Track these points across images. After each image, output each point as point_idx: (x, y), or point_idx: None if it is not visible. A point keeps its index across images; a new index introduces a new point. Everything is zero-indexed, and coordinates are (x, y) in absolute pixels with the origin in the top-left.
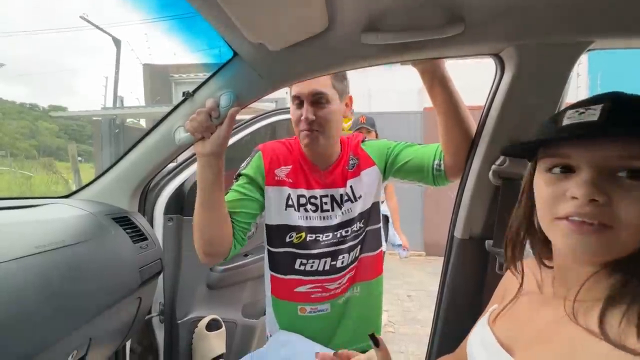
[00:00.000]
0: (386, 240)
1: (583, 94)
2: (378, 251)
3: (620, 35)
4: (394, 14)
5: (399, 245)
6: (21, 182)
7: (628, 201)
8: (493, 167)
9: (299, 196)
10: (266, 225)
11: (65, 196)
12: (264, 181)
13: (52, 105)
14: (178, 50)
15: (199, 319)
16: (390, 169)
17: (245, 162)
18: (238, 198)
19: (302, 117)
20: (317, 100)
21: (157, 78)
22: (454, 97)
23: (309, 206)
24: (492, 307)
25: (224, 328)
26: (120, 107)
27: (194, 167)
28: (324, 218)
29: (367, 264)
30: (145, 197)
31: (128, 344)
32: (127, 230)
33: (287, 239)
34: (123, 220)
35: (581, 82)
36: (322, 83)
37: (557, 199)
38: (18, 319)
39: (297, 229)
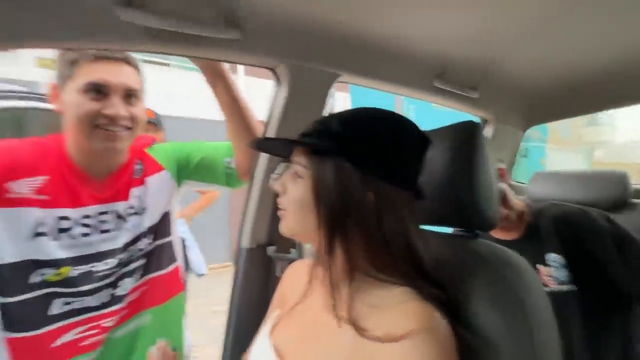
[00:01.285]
0: (186, 269)
1: None
2: (172, 268)
3: (360, 75)
4: None
5: (202, 275)
6: None
7: (290, 191)
8: (273, 175)
9: (59, 219)
10: None
11: None
12: None
13: None
14: None
15: None
16: (184, 171)
17: None
18: None
19: (111, 113)
20: (128, 95)
21: None
22: (237, 97)
23: (78, 229)
24: (274, 314)
25: None
26: None
27: None
28: (105, 240)
29: (158, 285)
30: None
31: None
32: None
33: (36, 279)
34: None
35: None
36: (133, 77)
37: None
38: None
39: (53, 263)
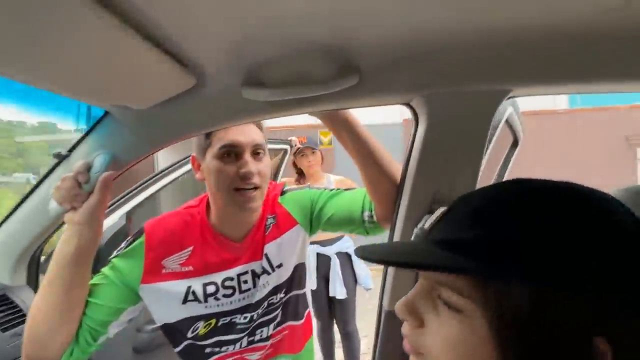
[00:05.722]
0: (355, 282)
1: (563, 99)
2: (304, 318)
3: (538, 83)
4: (276, 67)
5: (369, 290)
6: None
7: (435, 329)
8: (416, 230)
9: (205, 285)
10: (160, 326)
11: None
12: (140, 279)
13: None
14: None
15: None
16: (317, 223)
17: (125, 242)
18: (100, 284)
19: (245, 171)
20: (256, 151)
21: None
22: (367, 142)
23: (222, 291)
24: None
25: None
26: None
27: (112, 217)
28: (244, 298)
29: (293, 334)
30: (37, 266)
31: None
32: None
33: (191, 333)
34: None
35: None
36: (257, 133)
37: None
38: None
39: (205, 317)
